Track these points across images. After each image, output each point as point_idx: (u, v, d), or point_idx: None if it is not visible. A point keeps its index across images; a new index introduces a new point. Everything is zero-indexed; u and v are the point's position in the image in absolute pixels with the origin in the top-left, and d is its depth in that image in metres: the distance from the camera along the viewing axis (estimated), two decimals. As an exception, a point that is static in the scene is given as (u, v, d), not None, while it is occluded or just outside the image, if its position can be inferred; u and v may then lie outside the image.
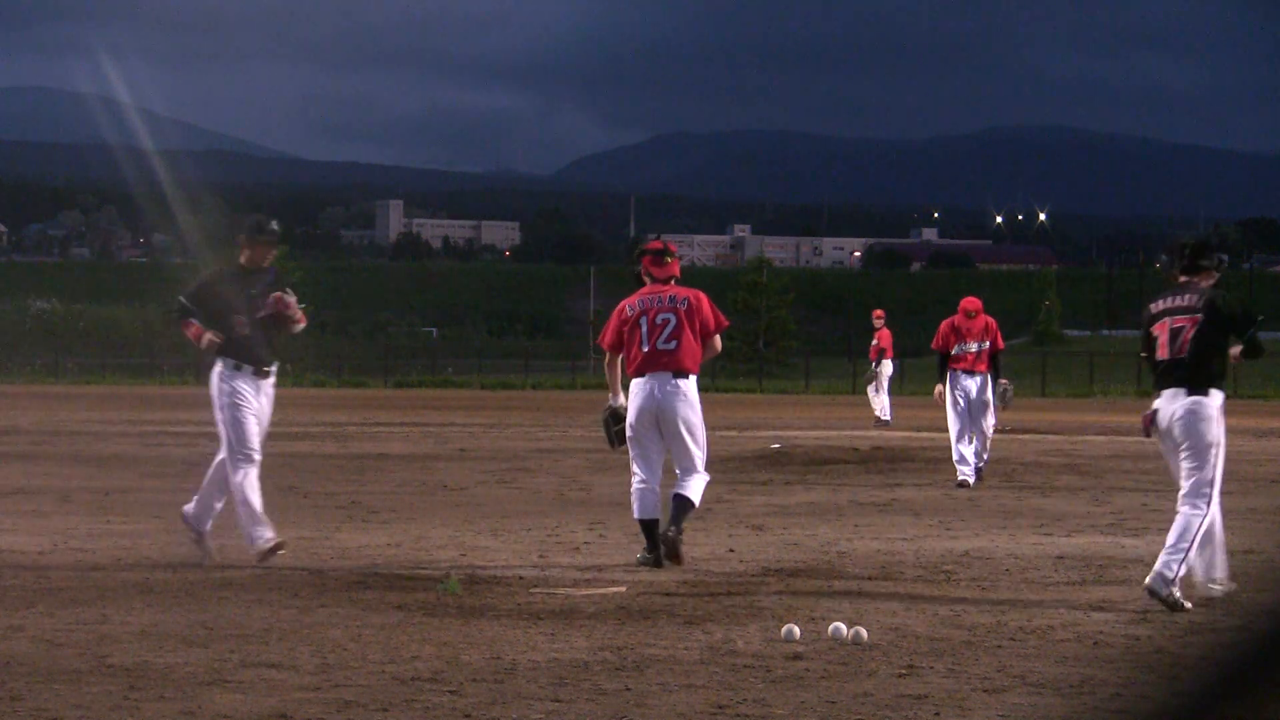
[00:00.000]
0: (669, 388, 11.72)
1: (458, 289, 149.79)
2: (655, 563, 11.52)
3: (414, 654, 8.32)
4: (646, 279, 12.11)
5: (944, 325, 19.48)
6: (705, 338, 11.92)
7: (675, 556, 11.46)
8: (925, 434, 29.27)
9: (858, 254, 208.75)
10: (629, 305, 11.95)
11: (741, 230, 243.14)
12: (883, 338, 34.43)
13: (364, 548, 12.59)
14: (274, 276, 12.06)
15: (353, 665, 8.01)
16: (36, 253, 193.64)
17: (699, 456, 11.79)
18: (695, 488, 11.76)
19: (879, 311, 35.41)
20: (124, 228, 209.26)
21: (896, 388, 38.69)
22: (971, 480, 18.68)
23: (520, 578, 11.07)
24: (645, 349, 11.74)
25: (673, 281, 12.05)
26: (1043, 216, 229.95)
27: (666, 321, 11.80)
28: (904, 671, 7.99)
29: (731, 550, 12.58)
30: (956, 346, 19.22)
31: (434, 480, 19.16)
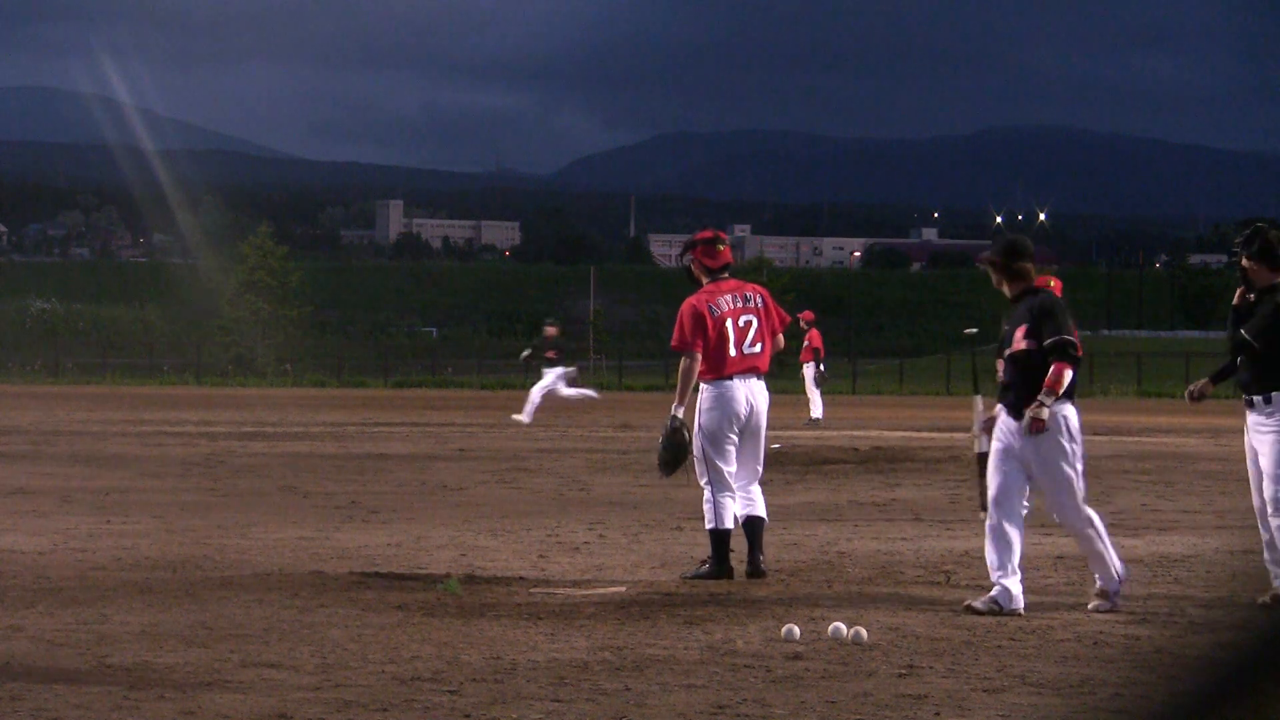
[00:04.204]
0: (759, 391, 11.48)
1: (458, 289, 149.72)
2: (728, 576, 11.33)
3: (414, 654, 8.32)
4: (702, 273, 11.60)
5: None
6: (773, 335, 11.63)
7: (763, 575, 11.29)
8: (925, 434, 29.28)
9: (857, 254, 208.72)
10: (711, 305, 11.44)
11: (741, 230, 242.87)
12: (813, 338, 34.76)
13: (364, 548, 12.58)
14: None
15: (353, 665, 8.01)
16: (36, 253, 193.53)
17: (763, 458, 11.70)
18: (763, 504, 11.59)
19: (808, 314, 35.46)
20: (124, 228, 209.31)
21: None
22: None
23: (520, 578, 11.07)
24: (734, 353, 11.38)
25: (728, 272, 11.67)
26: (1043, 216, 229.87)
27: (750, 324, 11.44)
28: (904, 671, 7.99)
29: (731, 550, 12.56)
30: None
31: (434, 480, 19.15)
